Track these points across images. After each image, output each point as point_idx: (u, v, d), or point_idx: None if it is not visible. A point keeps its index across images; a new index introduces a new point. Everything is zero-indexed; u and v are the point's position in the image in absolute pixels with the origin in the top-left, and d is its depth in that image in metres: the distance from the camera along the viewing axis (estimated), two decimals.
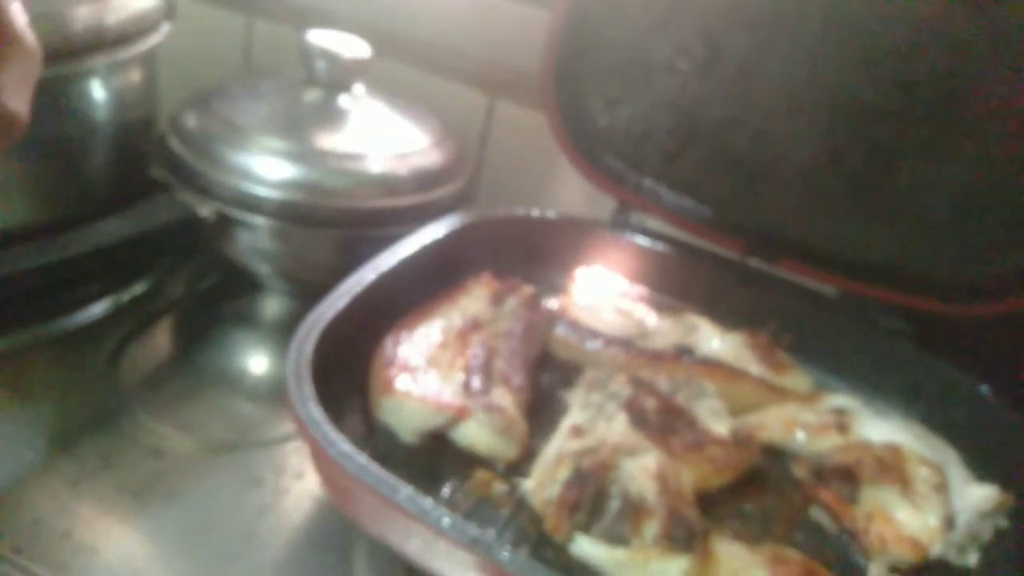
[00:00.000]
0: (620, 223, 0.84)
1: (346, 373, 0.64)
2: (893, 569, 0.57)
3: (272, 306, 0.82)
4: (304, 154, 0.75)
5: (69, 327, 0.74)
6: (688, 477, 0.58)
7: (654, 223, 0.85)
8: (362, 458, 0.49)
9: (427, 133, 0.84)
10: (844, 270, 0.78)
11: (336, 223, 0.75)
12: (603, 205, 0.86)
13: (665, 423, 0.61)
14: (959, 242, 0.75)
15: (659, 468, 0.57)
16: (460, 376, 0.63)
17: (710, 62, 0.81)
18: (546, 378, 0.72)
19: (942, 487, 0.61)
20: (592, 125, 0.86)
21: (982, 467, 0.66)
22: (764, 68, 0.78)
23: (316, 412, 0.51)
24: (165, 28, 0.80)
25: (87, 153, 0.75)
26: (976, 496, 0.61)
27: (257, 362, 0.78)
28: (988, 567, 0.59)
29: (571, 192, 0.93)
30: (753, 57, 0.79)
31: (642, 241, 0.83)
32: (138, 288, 0.79)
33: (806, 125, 0.78)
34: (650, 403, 0.62)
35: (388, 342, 0.64)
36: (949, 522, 0.59)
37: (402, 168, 0.78)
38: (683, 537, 0.53)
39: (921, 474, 0.61)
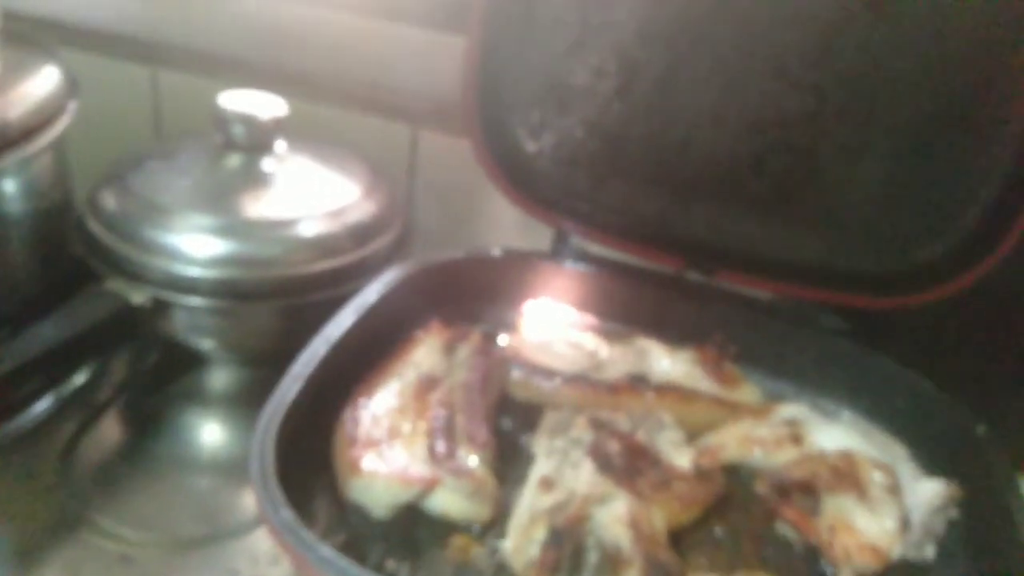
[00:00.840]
0: (559, 251, 0.85)
1: (311, 454, 0.63)
2: None
3: (220, 378, 0.81)
4: (233, 227, 0.73)
5: (12, 433, 0.71)
6: (659, 518, 0.60)
7: (595, 247, 0.85)
8: (343, 562, 0.49)
9: (357, 183, 0.83)
10: (778, 275, 0.81)
11: (276, 294, 0.74)
12: (543, 229, 0.86)
13: (630, 465, 0.62)
14: (882, 236, 0.79)
15: (630, 514, 0.59)
16: (424, 442, 0.63)
17: (628, 81, 0.81)
18: (507, 422, 0.73)
19: (895, 488, 0.64)
20: (520, 153, 0.86)
21: (927, 457, 0.70)
22: (681, 82, 0.80)
23: (288, 517, 0.51)
24: (72, 107, 0.77)
25: (6, 253, 0.72)
26: (926, 492, 0.64)
27: (213, 440, 0.77)
28: (945, 559, 0.63)
29: (509, 217, 0.93)
30: (669, 72, 0.80)
31: (583, 267, 0.84)
32: (79, 379, 0.77)
33: (727, 134, 0.80)
34: (613, 446, 0.64)
35: (346, 418, 0.64)
36: (905, 522, 0.62)
37: (336, 226, 0.78)
38: None
39: (874, 478, 0.64)
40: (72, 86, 0.77)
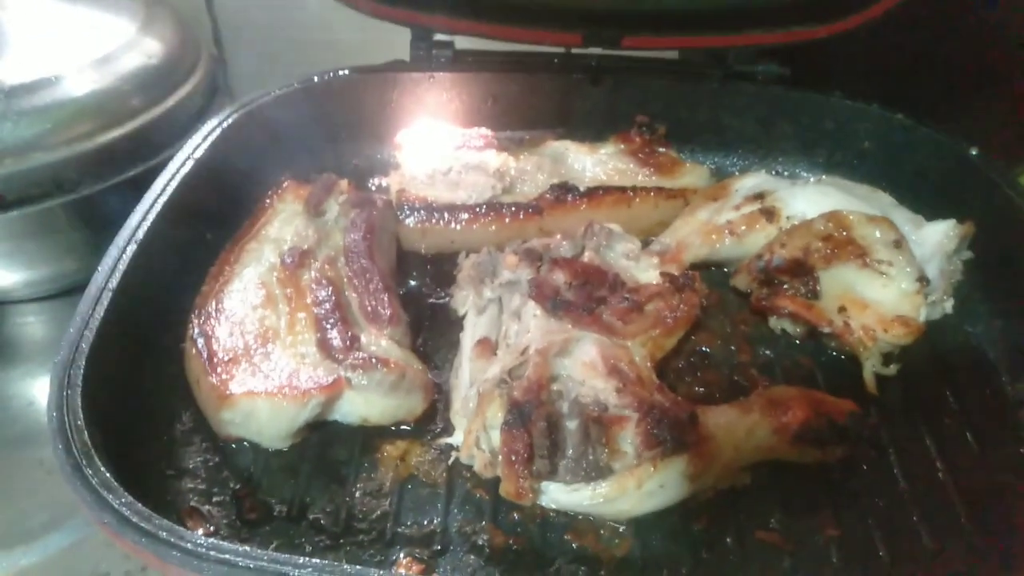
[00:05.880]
0: (422, 56, 0.65)
1: (156, 394, 0.46)
2: (887, 359, 0.49)
3: (16, 323, 0.60)
4: None
5: None
6: (640, 352, 0.46)
7: (464, 41, 0.66)
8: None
9: (126, 17, 0.60)
10: (692, 26, 0.64)
11: (46, 191, 0.52)
12: (391, 38, 0.65)
13: (587, 296, 0.47)
14: None
15: (604, 356, 0.44)
16: (311, 337, 0.46)
17: None
18: (413, 283, 0.56)
19: (900, 242, 0.52)
20: None
21: (918, 199, 0.58)
22: None
23: (134, 519, 0.34)
24: None
25: None
26: (935, 236, 0.53)
27: (27, 409, 0.56)
28: (963, 311, 0.53)
29: (348, 36, 0.72)
30: None
31: (457, 70, 0.65)
32: None
33: None
34: (559, 277, 0.48)
35: (194, 335, 0.46)
36: (923, 279, 0.51)
37: (112, 78, 0.56)
38: (671, 433, 0.41)
39: (874, 235, 0.52)
40: None
